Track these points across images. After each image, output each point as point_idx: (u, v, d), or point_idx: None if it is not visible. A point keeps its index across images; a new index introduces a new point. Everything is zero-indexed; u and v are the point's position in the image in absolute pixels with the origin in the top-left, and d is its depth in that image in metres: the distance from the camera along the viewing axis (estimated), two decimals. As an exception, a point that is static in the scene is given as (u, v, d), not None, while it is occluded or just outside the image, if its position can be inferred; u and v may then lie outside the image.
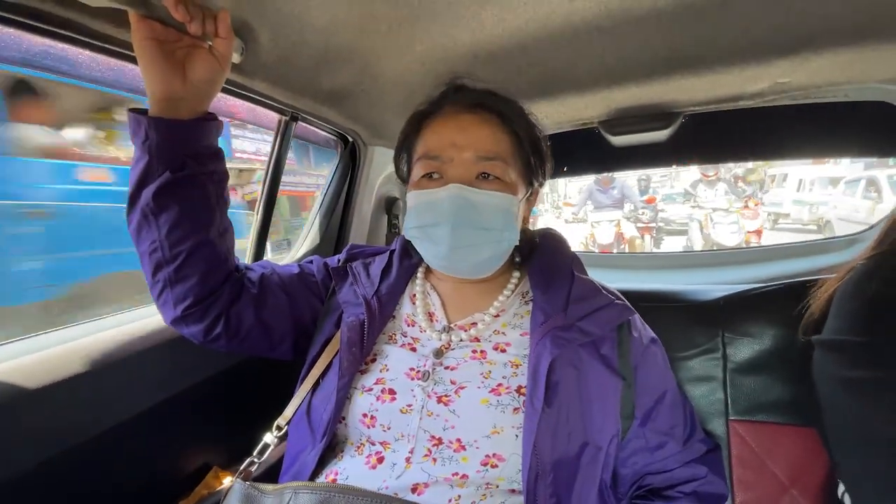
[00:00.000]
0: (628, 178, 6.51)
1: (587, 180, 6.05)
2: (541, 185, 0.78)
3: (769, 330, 0.82)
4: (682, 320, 0.89)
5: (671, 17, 0.72)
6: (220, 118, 0.68)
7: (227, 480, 0.85)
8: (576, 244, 5.94)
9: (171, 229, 0.63)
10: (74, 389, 0.70)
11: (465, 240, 0.66)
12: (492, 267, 0.72)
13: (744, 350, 0.83)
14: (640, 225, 6.05)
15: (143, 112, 0.62)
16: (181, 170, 0.62)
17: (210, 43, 0.61)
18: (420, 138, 0.73)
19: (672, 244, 7.42)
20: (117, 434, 0.74)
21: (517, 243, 0.72)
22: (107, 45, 0.63)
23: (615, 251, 5.46)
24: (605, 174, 5.71)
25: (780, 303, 0.82)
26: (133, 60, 0.60)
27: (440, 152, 0.69)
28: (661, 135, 1.12)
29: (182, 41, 0.60)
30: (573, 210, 6.25)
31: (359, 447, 0.65)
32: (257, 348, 0.77)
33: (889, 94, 0.96)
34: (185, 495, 0.84)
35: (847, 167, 7.68)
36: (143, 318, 0.87)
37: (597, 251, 5.43)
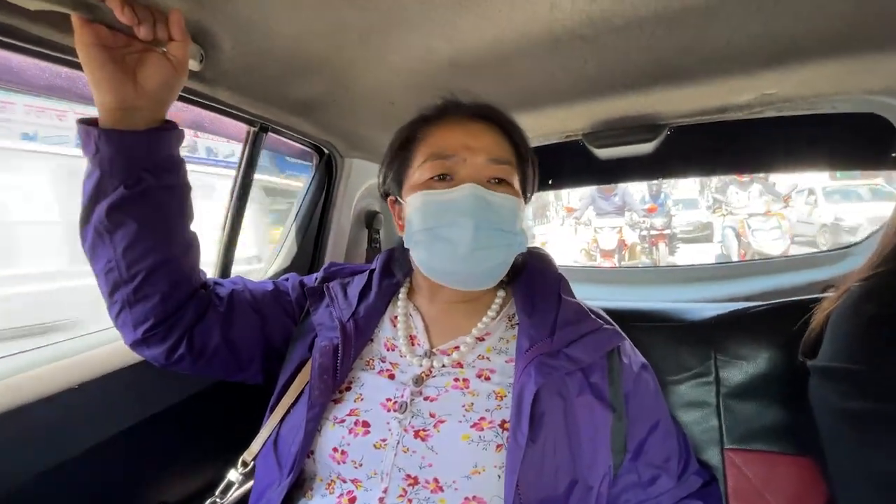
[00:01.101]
0: (630, 186, 6.38)
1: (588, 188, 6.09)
2: (528, 199, 0.77)
3: (763, 352, 0.78)
4: (672, 341, 0.85)
5: (653, 27, 0.70)
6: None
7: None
8: (580, 249, 5.92)
9: (128, 248, 0.59)
10: (11, 423, 0.64)
11: (485, 241, 0.63)
12: (500, 274, 0.68)
13: (737, 374, 0.79)
14: (653, 232, 6.01)
15: (94, 122, 0.57)
16: (137, 185, 0.58)
17: (164, 48, 0.57)
18: (423, 142, 0.70)
19: (689, 252, 7.35)
20: (61, 472, 0.68)
21: (524, 249, 0.69)
22: (50, 52, 0.58)
23: (616, 257, 5.47)
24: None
25: (774, 323, 0.79)
26: (80, 67, 0.55)
27: (453, 152, 0.66)
28: (646, 147, 1.10)
29: (132, 46, 0.56)
30: (575, 215, 6.33)
31: (329, 484, 0.60)
32: (224, 371, 0.72)
33: (877, 106, 0.95)
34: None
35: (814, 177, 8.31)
36: (93, 343, 0.81)
37: (599, 256, 5.47)
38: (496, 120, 0.71)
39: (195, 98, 0.75)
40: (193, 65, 0.64)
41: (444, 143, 0.67)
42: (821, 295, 0.66)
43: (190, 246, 0.66)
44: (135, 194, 0.58)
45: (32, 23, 0.53)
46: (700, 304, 0.93)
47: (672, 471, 0.66)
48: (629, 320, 0.82)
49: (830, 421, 0.57)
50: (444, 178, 0.66)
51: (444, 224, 0.63)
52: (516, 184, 0.69)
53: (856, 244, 1.33)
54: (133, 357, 0.78)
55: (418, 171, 0.68)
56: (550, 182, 1.35)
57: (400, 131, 0.74)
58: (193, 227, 0.67)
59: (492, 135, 0.69)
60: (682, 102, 0.96)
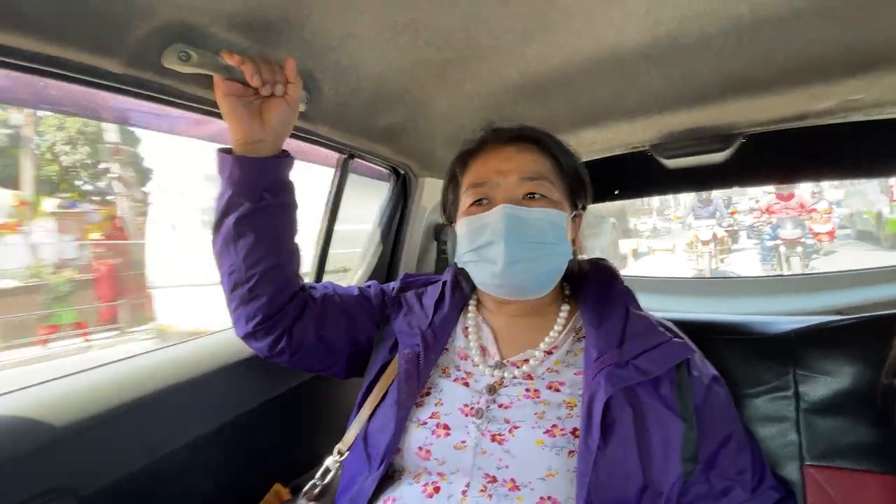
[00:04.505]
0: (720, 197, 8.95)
1: (690, 198, 8.82)
2: (584, 208, 0.79)
3: (849, 368, 0.75)
4: (748, 355, 0.84)
5: (721, 43, 0.70)
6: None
7: (287, 497, 0.90)
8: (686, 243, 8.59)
9: (248, 254, 0.72)
10: (153, 406, 0.77)
11: (520, 254, 0.68)
12: (550, 282, 0.72)
13: (819, 389, 0.76)
14: (726, 228, 8.66)
15: (229, 151, 0.71)
16: (259, 201, 0.71)
17: (280, 95, 0.69)
18: (466, 173, 0.77)
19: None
20: (191, 450, 0.81)
21: (571, 256, 0.73)
22: (195, 105, 0.72)
23: (711, 244, 7.62)
24: (702, 194, 7.87)
25: (860, 338, 0.75)
26: (218, 115, 0.70)
27: (486, 179, 0.72)
28: (718, 156, 1.08)
29: (258, 93, 0.68)
30: (681, 220, 9.66)
31: (416, 476, 0.67)
32: (315, 364, 0.82)
33: None
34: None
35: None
36: (213, 340, 0.95)
37: (700, 245, 7.67)
38: (532, 139, 0.75)
39: (300, 133, 0.88)
40: (301, 106, 0.75)
41: (480, 171, 0.74)
42: None
43: (294, 254, 0.78)
44: (257, 209, 0.70)
45: (183, 83, 0.67)
46: (778, 316, 0.90)
47: (746, 483, 0.66)
48: (704, 332, 0.82)
49: None
50: (482, 203, 0.72)
51: (484, 244, 0.70)
52: (556, 195, 0.72)
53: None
54: (239, 355, 0.92)
55: (463, 199, 0.75)
56: (617, 192, 1.35)
57: (451, 165, 0.81)
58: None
59: (526, 154, 0.73)
60: (756, 112, 0.94)
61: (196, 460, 0.82)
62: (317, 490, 0.72)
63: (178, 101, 0.70)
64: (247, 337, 0.78)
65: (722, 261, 8.01)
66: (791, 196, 7.27)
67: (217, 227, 0.73)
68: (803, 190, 7.80)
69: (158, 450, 0.77)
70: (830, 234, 7.74)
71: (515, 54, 0.75)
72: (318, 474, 0.74)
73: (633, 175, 1.28)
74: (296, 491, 0.91)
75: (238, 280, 0.73)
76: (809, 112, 0.93)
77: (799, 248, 6.73)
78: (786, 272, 6.74)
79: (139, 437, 0.75)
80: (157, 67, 0.60)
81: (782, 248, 6.85)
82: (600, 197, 1.38)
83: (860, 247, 8.35)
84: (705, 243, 7.71)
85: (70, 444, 0.67)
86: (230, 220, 0.71)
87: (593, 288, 0.77)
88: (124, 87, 0.63)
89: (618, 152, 1.20)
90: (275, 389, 0.96)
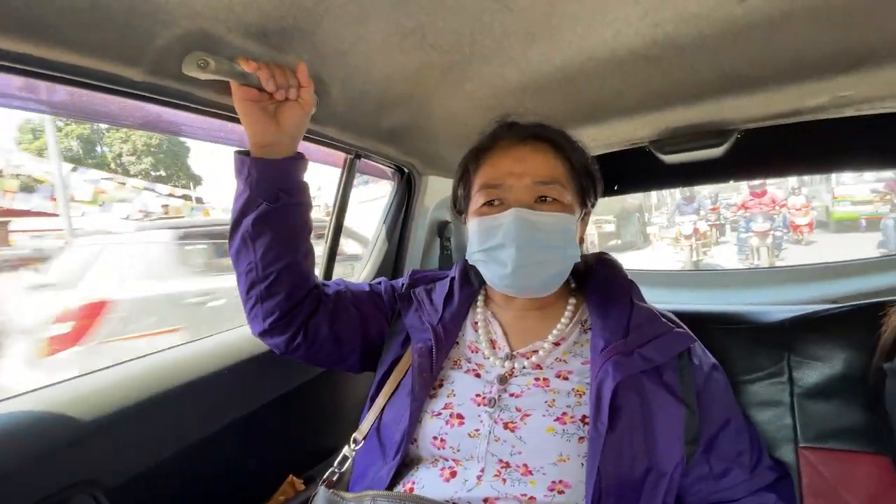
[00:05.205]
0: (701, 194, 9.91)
1: (676, 196, 9.61)
2: (593, 205, 0.81)
3: (840, 354, 0.78)
4: (744, 343, 0.87)
5: (717, 44, 0.73)
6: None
7: (301, 487, 0.93)
8: (671, 237, 9.65)
9: (265, 252, 0.73)
10: (173, 401, 0.80)
11: (530, 258, 0.70)
12: (557, 283, 0.74)
13: (812, 374, 0.80)
14: (710, 223, 9.45)
15: (247, 153, 0.73)
16: (276, 201, 0.72)
17: (295, 98, 0.71)
18: (479, 171, 0.78)
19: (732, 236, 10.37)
20: (209, 444, 0.83)
21: (578, 259, 0.74)
22: (214, 110, 0.75)
23: (693, 239, 8.23)
24: (686, 192, 8.73)
25: (851, 325, 0.78)
26: (236, 120, 0.72)
27: (500, 181, 0.73)
28: (715, 151, 1.11)
29: (273, 98, 0.70)
30: (668, 217, 10.60)
31: (433, 462, 0.69)
32: (329, 360, 0.84)
33: None
34: (265, 500, 0.93)
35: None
36: (230, 338, 0.98)
37: (683, 239, 8.32)
38: (546, 138, 0.76)
39: (309, 135, 0.89)
40: (311, 109, 0.78)
41: (493, 172, 0.75)
42: (893, 298, 0.67)
43: (308, 253, 0.80)
44: (274, 209, 0.72)
45: (202, 90, 0.69)
46: (773, 306, 0.93)
47: (744, 465, 0.69)
48: (703, 322, 0.84)
49: None
50: (494, 204, 0.74)
51: (494, 246, 0.72)
52: (568, 198, 0.73)
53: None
54: (256, 350, 0.94)
55: (475, 197, 0.77)
56: (616, 188, 1.37)
57: (463, 160, 0.82)
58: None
59: (539, 155, 0.74)
60: (751, 108, 0.96)
61: (214, 453, 0.85)
62: (335, 477, 0.74)
63: (198, 107, 0.72)
64: (263, 334, 0.79)
65: (705, 253, 8.73)
66: (764, 193, 8.04)
67: (235, 227, 0.74)
68: (776, 187, 8.70)
69: (178, 444, 0.79)
70: (810, 225, 8.98)
71: (517, 56, 0.77)
72: (336, 462, 0.75)
73: (632, 171, 1.31)
74: (309, 482, 0.95)
75: (255, 278, 0.75)
76: (802, 108, 0.96)
77: (768, 240, 7.48)
78: (755, 262, 7.37)
79: (160, 432, 0.78)
80: (177, 75, 0.62)
81: (753, 241, 7.56)
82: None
83: (816, 233, 9.66)
84: (687, 237, 8.45)
85: (96, 439, 0.70)
86: (248, 219, 0.72)
87: (599, 281, 0.79)
88: (145, 94, 0.65)
89: (617, 149, 1.22)
90: (288, 385, 0.99)
